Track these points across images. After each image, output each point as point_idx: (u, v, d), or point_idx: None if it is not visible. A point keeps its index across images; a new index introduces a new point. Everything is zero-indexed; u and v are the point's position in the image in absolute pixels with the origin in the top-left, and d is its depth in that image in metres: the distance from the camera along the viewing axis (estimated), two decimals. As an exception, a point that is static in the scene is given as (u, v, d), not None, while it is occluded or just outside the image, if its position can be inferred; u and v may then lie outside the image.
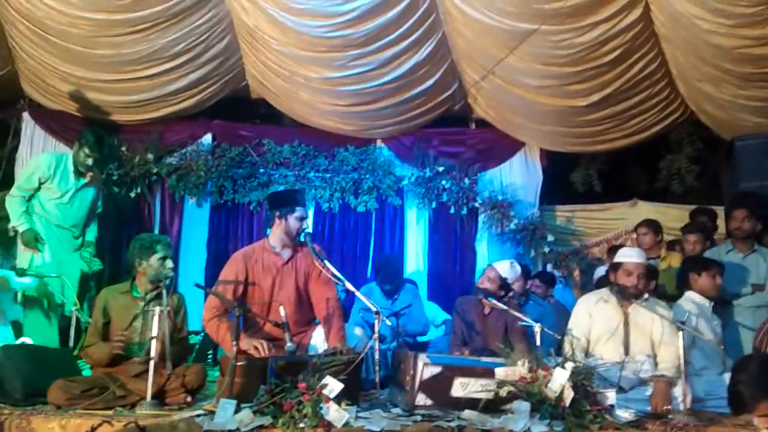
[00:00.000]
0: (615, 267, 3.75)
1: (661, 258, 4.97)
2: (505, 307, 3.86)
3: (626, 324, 3.61)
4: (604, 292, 3.77)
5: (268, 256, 3.62)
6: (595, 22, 4.66)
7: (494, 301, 3.91)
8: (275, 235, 3.65)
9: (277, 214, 3.62)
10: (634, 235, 6.17)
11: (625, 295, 3.61)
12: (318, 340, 3.59)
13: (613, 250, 5.53)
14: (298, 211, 3.63)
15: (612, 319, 3.66)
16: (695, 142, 6.35)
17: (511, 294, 4.15)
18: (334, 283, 3.63)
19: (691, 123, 6.04)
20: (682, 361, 3.19)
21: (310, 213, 6.12)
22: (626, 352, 3.55)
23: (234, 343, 2.99)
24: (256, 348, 3.22)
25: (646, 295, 3.70)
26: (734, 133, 5.54)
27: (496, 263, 4.20)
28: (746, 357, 3.41)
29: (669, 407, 3.22)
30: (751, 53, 4.51)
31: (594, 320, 3.70)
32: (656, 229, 5.16)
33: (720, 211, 5.42)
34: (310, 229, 4.00)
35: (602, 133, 5.85)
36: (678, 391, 3.25)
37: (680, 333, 3.20)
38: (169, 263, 3.47)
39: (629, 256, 3.72)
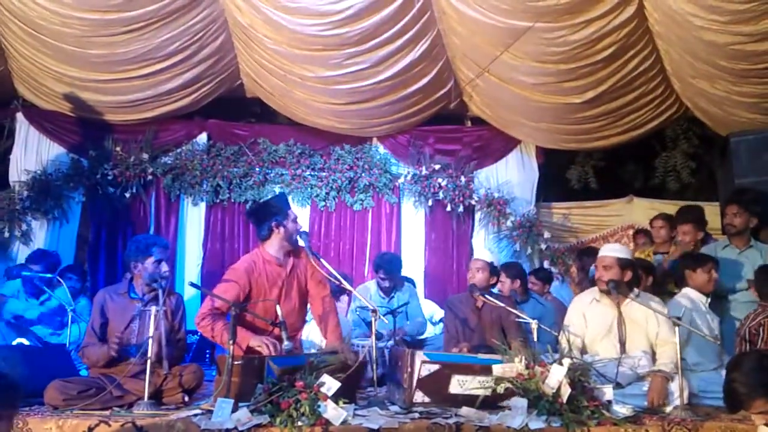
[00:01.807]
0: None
1: (669, 254, 4.93)
2: (500, 304, 3.86)
3: (621, 320, 3.60)
4: (596, 291, 3.76)
5: (271, 269, 3.58)
6: (589, 20, 4.66)
7: (488, 297, 3.91)
8: (274, 244, 3.60)
9: (274, 223, 3.59)
10: (630, 232, 6.20)
11: (616, 290, 3.61)
12: (312, 335, 3.59)
13: (584, 252, 5.53)
14: (292, 214, 3.65)
15: (606, 316, 3.65)
16: (690, 139, 6.36)
17: (508, 294, 4.16)
18: (328, 281, 3.64)
19: (686, 119, 6.06)
20: (678, 356, 3.19)
21: (307, 211, 6.13)
22: (623, 348, 3.55)
23: (230, 342, 2.98)
24: (267, 346, 3.20)
25: (637, 290, 3.70)
26: (729, 129, 5.55)
27: (476, 255, 4.23)
28: (740, 355, 3.41)
29: (665, 401, 3.22)
30: (744, 50, 4.52)
31: (588, 320, 3.71)
32: (672, 223, 5.00)
33: (716, 207, 5.44)
34: (306, 228, 3.99)
35: (598, 130, 5.86)
36: (675, 386, 3.25)
37: (677, 329, 3.21)
38: (165, 266, 3.46)
39: (601, 250, 3.77)
